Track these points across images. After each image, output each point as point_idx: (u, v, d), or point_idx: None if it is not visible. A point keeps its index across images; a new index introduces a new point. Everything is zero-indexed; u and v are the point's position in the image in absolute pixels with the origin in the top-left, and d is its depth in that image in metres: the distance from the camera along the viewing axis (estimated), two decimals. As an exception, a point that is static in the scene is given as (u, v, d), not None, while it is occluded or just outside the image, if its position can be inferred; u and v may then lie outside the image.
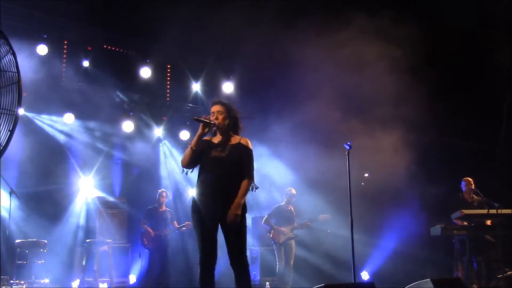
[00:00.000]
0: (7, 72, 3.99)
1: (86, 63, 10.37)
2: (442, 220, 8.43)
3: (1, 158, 4.26)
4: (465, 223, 8.01)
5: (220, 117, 4.74)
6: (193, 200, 4.68)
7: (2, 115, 3.96)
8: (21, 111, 4.24)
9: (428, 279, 5.24)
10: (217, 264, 4.60)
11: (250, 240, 10.57)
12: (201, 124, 4.62)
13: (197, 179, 4.69)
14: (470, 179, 8.55)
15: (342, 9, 9.38)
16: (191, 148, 4.62)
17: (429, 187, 9.98)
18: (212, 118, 4.71)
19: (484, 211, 7.90)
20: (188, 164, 4.68)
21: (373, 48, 9.44)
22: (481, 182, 8.65)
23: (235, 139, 4.77)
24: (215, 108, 4.78)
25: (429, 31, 9.53)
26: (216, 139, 4.80)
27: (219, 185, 4.54)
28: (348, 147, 6.36)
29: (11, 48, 4.02)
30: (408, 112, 9.62)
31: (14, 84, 4.01)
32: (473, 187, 8.48)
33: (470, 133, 10.28)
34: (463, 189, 8.60)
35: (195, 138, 4.63)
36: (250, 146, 4.78)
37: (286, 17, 9.39)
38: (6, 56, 3.99)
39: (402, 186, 9.97)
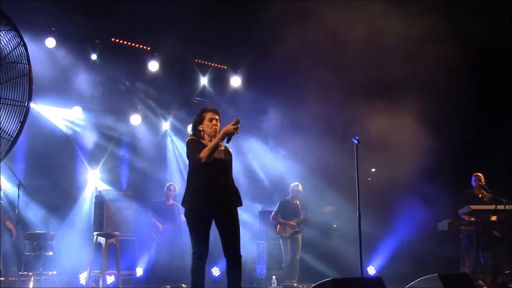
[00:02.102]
0: (18, 64, 4.01)
1: (94, 56, 10.38)
2: (450, 215, 8.42)
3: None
4: (473, 219, 7.99)
5: (219, 124, 5.02)
6: (192, 198, 4.81)
7: (13, 106, 3.98)
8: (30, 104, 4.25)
9: (435, 274, 5.23)
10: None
11: (256, 234, 10.61)
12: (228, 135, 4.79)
13: (197, 179, 4.80)
14: (480, 175, 8.51)
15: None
16: (219, 143, 4.76)
17: (437, 182, 9.95)
18: (213, 123, 4.96)
19: (492, 207, 7.89)
20: (211, 158, 4.74)
21: (387, 32, 9.20)
22: (491, 177, 8.60)
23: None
24: (213, 115, 5.01)
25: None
26: (208, 143, 4.92)
27: (222, 183, 4.80)
28: (356, 142, 6.36)
29: (22, 40, 4.04)
30: (420, 105, 9.52)
31: (25, 76, 4.03)
32: (483, 183, 8.44)
33: (482, 127, 10.18)
34: (473, 185, 8.56)
35: (223, 136, 4.77)
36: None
37: (293, 8, 9.30)
38: (17, 48, 4.01)
39: (409, 180, 9.94)
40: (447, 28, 8.82)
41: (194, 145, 4.84)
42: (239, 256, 4.78)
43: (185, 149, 4.94)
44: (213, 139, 4.88)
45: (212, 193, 4.71)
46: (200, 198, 4.74)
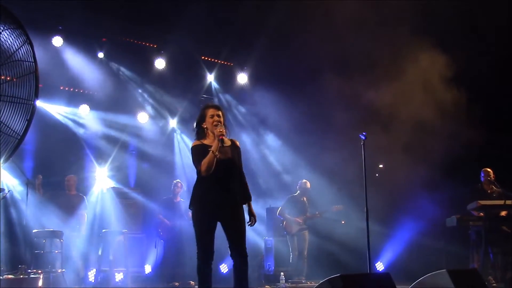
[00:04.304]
0: (24, 62, 4.02)
1: (101, 55, 10.42)
2: (458, 211, 8.36)
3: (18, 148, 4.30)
4: (482, 214, 7.94)
5: (222, 119, 4.97)
6: (197, 203, 4.84)
7: (20, 104, 3.99)
8: (37, 102, 4.27)
9: (444, 270, 5.20)
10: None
11: (264, 231, 10.61)
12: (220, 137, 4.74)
13: (202, 181, 4.83)
14: (489, 170, 8.45)
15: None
16: (215, 155, 4.70)
17: (446, 177, 9.88)
18: (214, 119, 4.91)
19: (501, 202, 7.83)
20: (211, 170, 4.72)
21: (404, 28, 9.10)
22: (500, 173, 8.53)
23: (228, 140, 5.00)
24: (215, 112, 4.97)
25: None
26: (212, 142, 4.89)
27: (227, 186, 4.79)
28: (363, 138, 6.34)
29: (28, 38, 4.06)
30: (429, 100, 9.44)
31: (31, 74, 4.05)
32: (493, 178, 8.37)
33: (490, 123, 10.07)
34: (482, 180, 8.51)
35: (218, 146, 4.71)
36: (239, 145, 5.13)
37: (301, 5, 9.27)
38: (23, 46, 4.02)
39: (417, 176, 9.88)
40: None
41: (195, 154, 4.87)
42: (245, 255, 4.79)
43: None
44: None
45: (217, 199, 4.73)
46: (204, 204, 4.78)
